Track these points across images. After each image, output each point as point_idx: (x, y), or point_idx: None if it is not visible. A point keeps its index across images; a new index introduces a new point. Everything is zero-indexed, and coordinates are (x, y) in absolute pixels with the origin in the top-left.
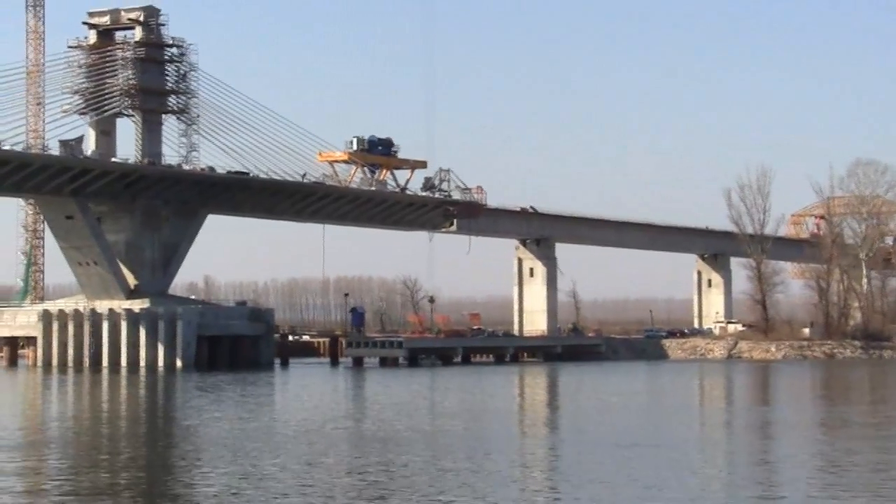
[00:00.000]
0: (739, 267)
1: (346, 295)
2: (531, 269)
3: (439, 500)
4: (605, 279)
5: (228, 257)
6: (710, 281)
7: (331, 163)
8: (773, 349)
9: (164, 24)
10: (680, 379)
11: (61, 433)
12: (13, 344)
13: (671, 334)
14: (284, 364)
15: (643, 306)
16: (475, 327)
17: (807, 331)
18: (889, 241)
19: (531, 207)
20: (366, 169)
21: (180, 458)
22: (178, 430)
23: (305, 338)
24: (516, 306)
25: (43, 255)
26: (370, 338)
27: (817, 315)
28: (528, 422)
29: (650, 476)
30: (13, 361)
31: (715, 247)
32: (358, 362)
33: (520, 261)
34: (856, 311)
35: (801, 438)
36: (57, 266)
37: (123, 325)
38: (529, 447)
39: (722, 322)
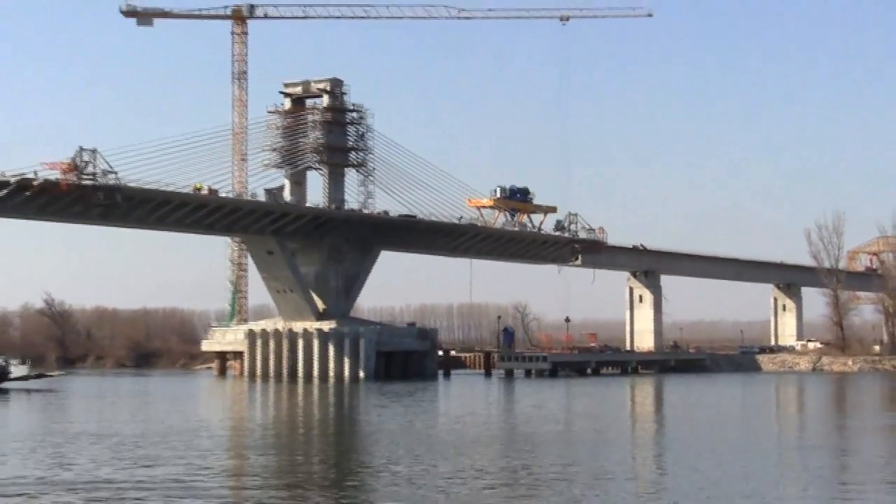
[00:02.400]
0: (810, 294)
1: (500, 318)
2: (640, 296)
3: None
4: (692, 304)
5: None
6: (784, 306)
7: (478, 208)
8: (850, 363)
9: (346, 93)
10: (785, 387)
11: (272, 429)
12: (223, 357)
13: (762, 350)
14: (447, 375)
15: (725, 327)
16: (591, 344)
17: (877, 348)
18: None
19: (642, 245)
20: (507, 213)
21: (368, 447)
22: (369, 426)
23: (452, 352)
24: (628, 327)
25: (246, 283)
26: (519, 353)
27: (885, 335)
28: (675, 420)
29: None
30: (223, 372)
31: (788, 277)
32: (509, 374)
33: (631, 289)
34: None
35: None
36: (257, 292)
37: (315, 343)
38: (684, 441)
39: (803, 341)
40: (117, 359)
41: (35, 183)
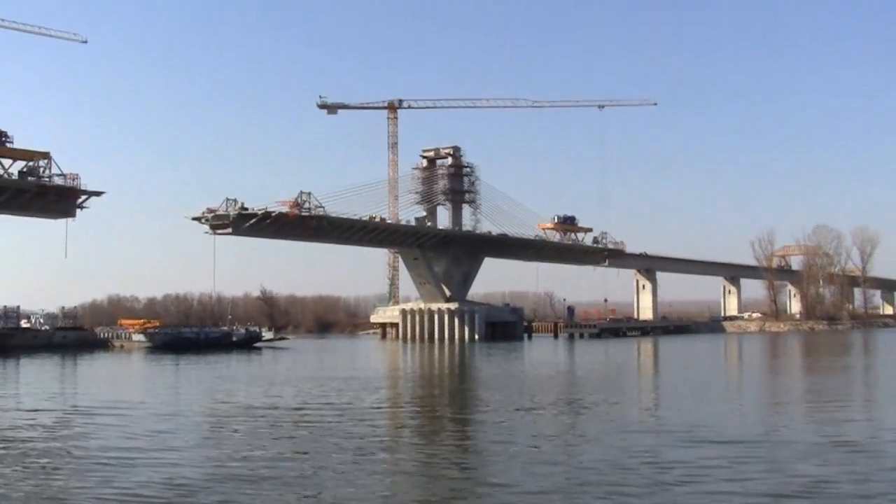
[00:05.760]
0: (745, 282)
1: (565, 300)
2: (643, 285)
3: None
4: (672, 289)
5: (475, 280)
6: (729, 291)
7: (543, 229)
8: (782, 326)
9: (462, 155)
10: (749, 340)
11: (413, 370)
12: (384, 326)
13: (725, 319)
14: (529, 337)
15: (695, 305)
16: (611, 317)
17: (798, 316)
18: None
19: (645, 252)
20: (561, 232)
21: (484, 377)
22: (485, 367)
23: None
24: (635, 305)
25: (398, 278)
26: (577, 322)
27: (800, 308)
28: (691, 355)
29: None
30: (384, 336)
31: (732, 272)
32: (571, 336)
33: (637, 281)
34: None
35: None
36: (405, 284)
37: (445, 317)
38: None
39: (746, 313)
40: (307, 327)
41: (273, 214)
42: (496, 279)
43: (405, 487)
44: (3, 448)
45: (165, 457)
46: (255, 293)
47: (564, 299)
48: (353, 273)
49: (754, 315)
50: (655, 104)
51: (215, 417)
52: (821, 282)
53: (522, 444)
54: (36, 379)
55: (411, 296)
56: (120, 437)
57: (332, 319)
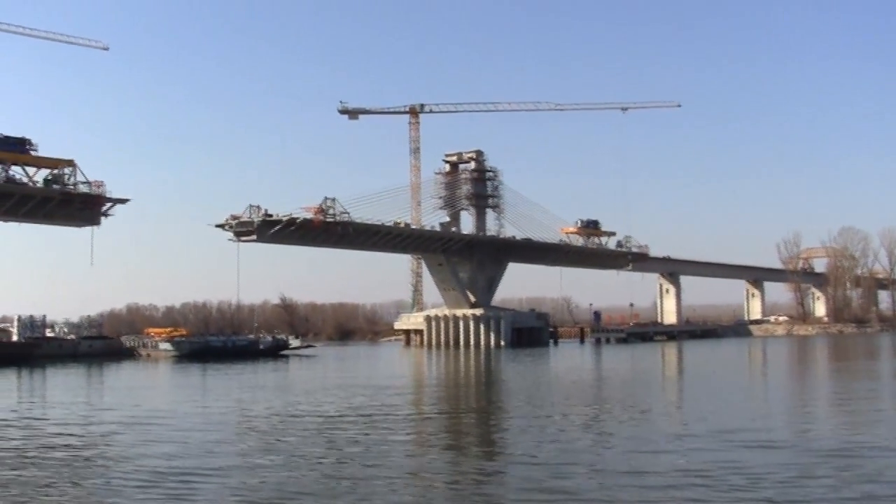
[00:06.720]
0: (768, 285)
1: (591, 304)
2: (667, 289)
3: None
4: (698, 293)
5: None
6: (752, 294)
7: (567, 233)
8: (809, 329)
9: (485, 159)
10: (780, 344)
11: (447, 378)
12: (408, 333)
13: (751, 322)
14: (556, 343)
15: (715, 308)
16: (634, 322)
17: (826, 319)
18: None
19: (668, 256)
20: (584, 237)
21: (509, 384)
22: (510, 373)
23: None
24: (658, 309)
25: (422, 284)
26: (603, 327)
27: (829, 310)
28: (719, 359)
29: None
30: (408, 343)
31: (755, 275)
32: (598, 341)
33: (660, 285)
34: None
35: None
36: (429, 290)
37: (471, 323)
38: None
39: (772, 316)
40: (327, 335)
41: (298, 220)
42: (513, 285)
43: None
44: (63, 464)
45: (222, 463)
46: (273, 300)
47: (591, 304)
48: (369, 280)
49: (781, 318)
50: (679, 106)
51: (267, 427)
52: (848, 284)
53: (590, 454)
54: (70, 389)
55: (430, 302)
56: (177, 448)
57: (352, 327)
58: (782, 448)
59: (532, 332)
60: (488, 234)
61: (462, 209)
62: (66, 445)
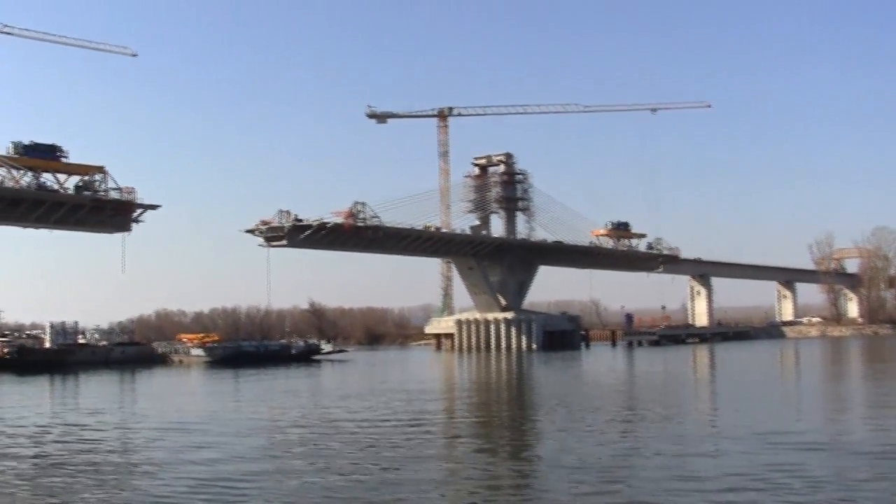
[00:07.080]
0: (800, 286)
1: (623, 306)
2: (698, 291)
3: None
4: (728, 295)
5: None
6: (784, 295)
7: (597, 236)
8: (843, 330)
9: (515, 162)
10: (815, 346)
11: (480, 381)
12: (439, 337)
13: (784, 324)
14: (587, 346)
15: (745, 310)
16: (665, 324)
17: (860, 320)
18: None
19: (699, 257)
20: (615, 239)
21: (544, 387)
22: (541, 378)
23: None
24: (689, 311)
25: (452, 288)
26: (635, 330)
27: (860, 312)
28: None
29: None
30: (439, 347)
31: (787, 276)
32: (630, 344)
33: (691, 287)
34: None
35: None
36: (459, 294)
37: (502, 327)
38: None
39: (805, 318)
40: (356, 339)
41: (328, 225)
42: (541, 288)
43: None
44: (110, 470)
45: (266, 467)
46: (301, 305)
47: (623, 306)
48: (397, 284)
49: (814, 320)
50: (709, 106)
51: (307, 433)
52: (882, 285)
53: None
54: (106, 395)
55: (458, 307)
56: (219, 454)
57: (381, 331)
58: (831, 450)
59: (563, 335)
60: (518, 237)
61: (492, 212)
62: (109, 451)
